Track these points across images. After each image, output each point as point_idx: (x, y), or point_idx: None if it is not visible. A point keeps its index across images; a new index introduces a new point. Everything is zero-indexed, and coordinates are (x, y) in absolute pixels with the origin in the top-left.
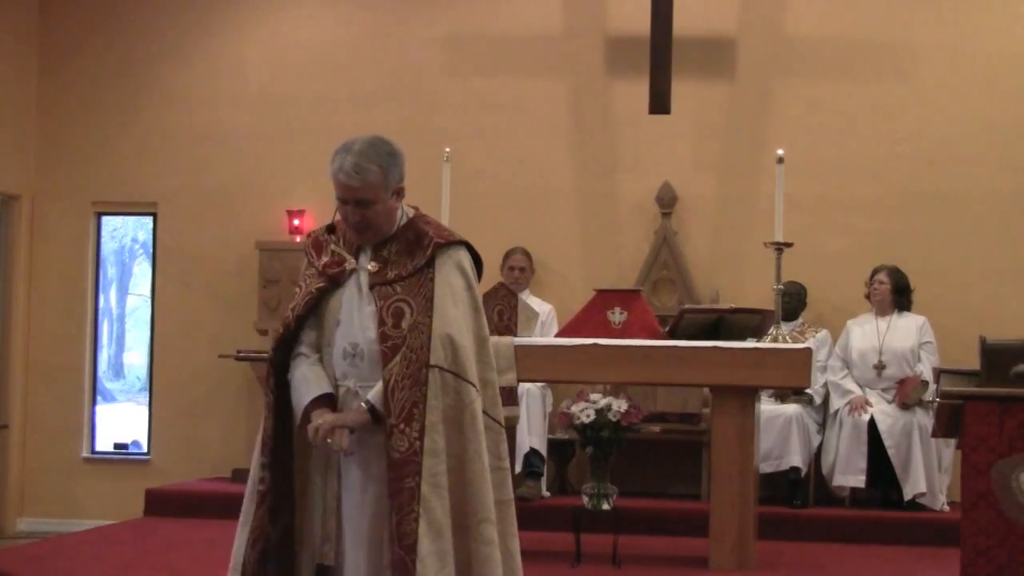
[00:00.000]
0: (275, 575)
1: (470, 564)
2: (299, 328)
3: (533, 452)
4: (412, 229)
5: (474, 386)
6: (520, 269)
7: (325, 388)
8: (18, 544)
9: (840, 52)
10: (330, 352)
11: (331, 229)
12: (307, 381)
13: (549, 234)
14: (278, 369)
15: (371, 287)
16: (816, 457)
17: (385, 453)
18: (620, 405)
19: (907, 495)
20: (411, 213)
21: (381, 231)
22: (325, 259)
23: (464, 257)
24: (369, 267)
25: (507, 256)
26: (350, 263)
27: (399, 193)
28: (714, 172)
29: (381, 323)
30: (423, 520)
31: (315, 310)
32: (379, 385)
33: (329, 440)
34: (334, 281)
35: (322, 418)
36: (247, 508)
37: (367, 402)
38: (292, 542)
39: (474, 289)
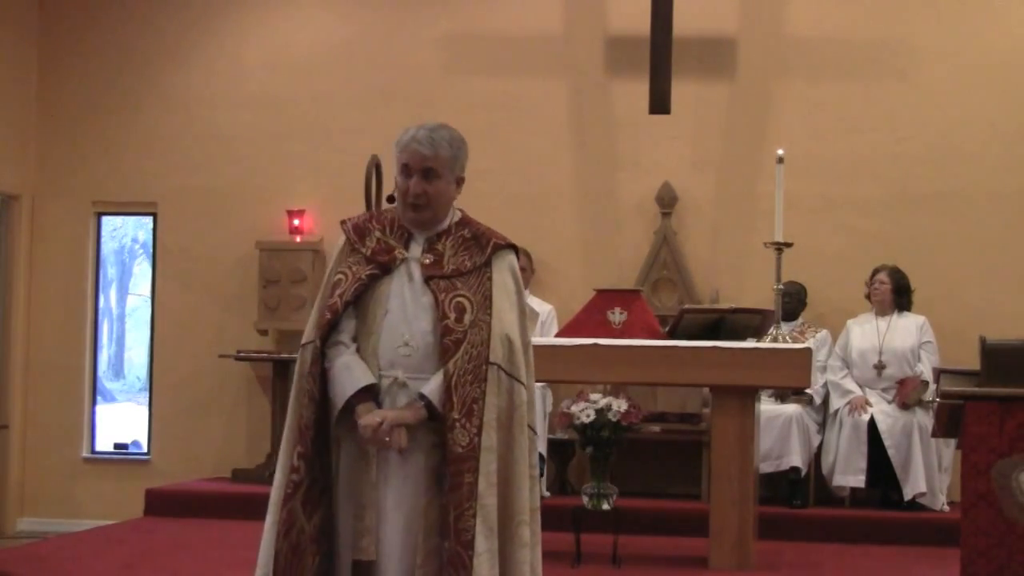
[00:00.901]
0: (314, 570)
1: (506, 565)
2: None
3: None
4: (467, 227)
5: (526, 387)
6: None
7: (369, 379)
8: (18, 544)
9: (840, 52)
10: (374, 341)
11: (370, 211)
12: (350, 371)
13: (549, 234)
14: (319, 356)
15: (427, 279)
16: (816, 457)
17: (445, 447)
18: (620, 405)
19: (907, 495)
20: (459, 213)
21: (436, 215)
22: (371, 245)
23: (515, 261)
24: (424, 259)
25: None
26: (400, 252)
27: (459, 183)
28: (714, 172)
29: (443, 316)
30: (479, 516)
31: (360, 298)
32: (436, 379)
33: (388, 439)
34: (384, 268)
35: (379, 415)
36: (275, 500)
37: (423, 396)
38: (329, 539)
39: (520, 293)
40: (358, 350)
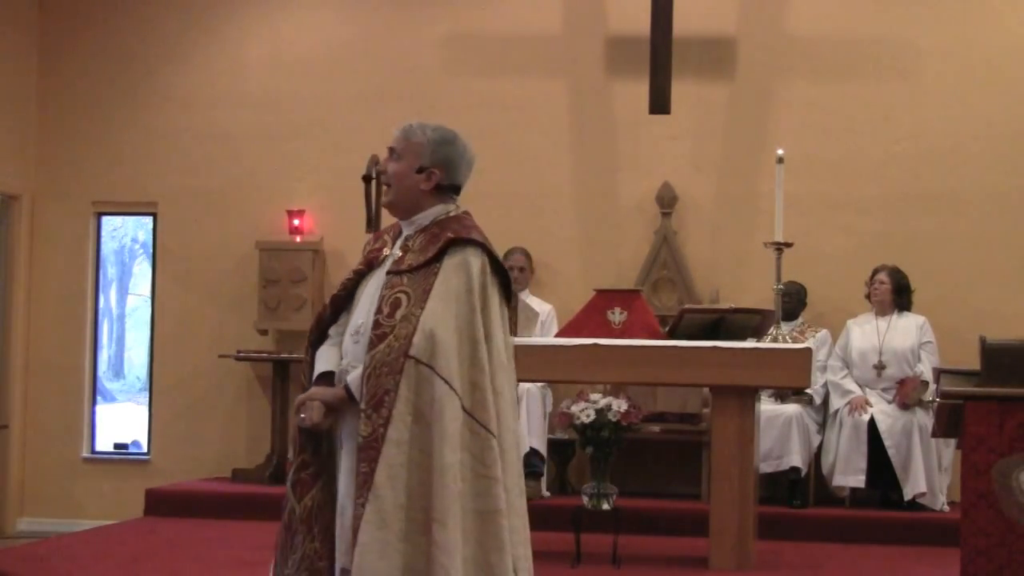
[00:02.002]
0: (302, 550)
1: (424, 564)
2: (336, 311)
3: (533, 452)
4: (442, 225)
5: (447, 383)
6: (519, 269)
7: (326, 367)
8: (18, 544)
9: (840, 52)
10: (345, 332)
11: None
12: (318, 361)
13: (549, 234)
14: (308, 351)
15: (387, 273)
16: (816, 457)
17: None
18: (620, 405)
19: (907, 495)
20: (456, 212)
21: (398, 200)
22: (374, 246)
23: (474, 256)
24: (394, 255)
25: (506, 256)
26: (387, 249)
27: (428, 176)
28: (714, 172)
29: (379, 310)
30: (370, 507)
31: (353, 293)
32: (359, 368)
33: (303, 414)
34: (369, 264)
35: (306, 394)
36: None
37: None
38: (320, 521)
39: (478, 291)
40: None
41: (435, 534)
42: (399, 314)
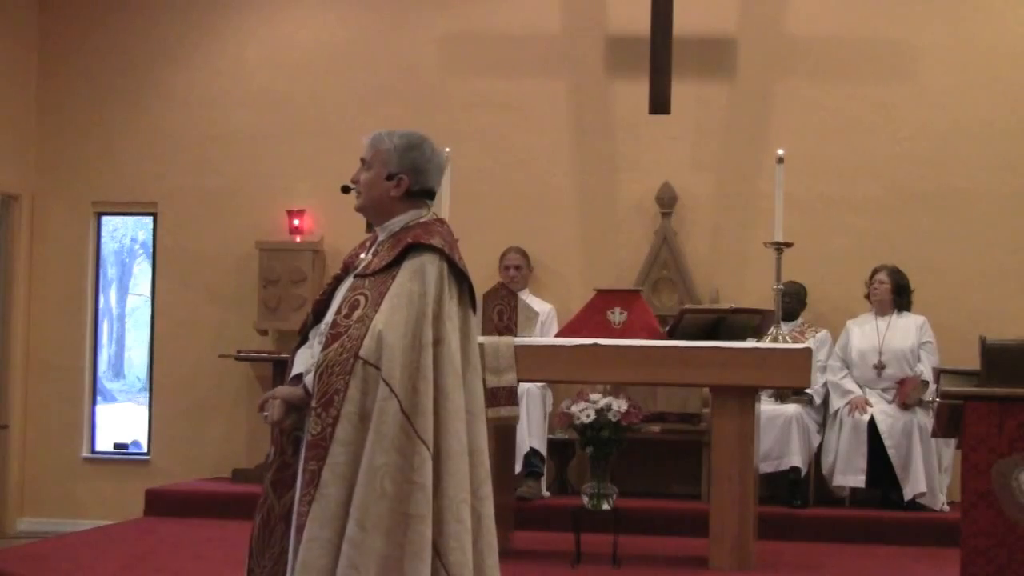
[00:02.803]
0: (281, 546)
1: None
2: (317, 316)
3: (533, 452)
4: (408, 230)
5: (388, 386)
6: (515, 267)
7: (298, 370)
8: (18, 544)
9: (840, 52)
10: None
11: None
12: (296, 362)
13: (549, 234)
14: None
15: (354, 276)
16: (816, 457)
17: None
18: (620, 405)
19: (907, 495)
20: (427, 218)
21: (369, 207)
22: (356, 250)
23: (430, 262)
24: (364, 260)
25: (502, 256)
26: (365, 254)
27: (398, 183)
28: (714, 172)
29: (338, 311)
30: (316, 505)
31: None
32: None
33: (265, 412)
34: (346, 268)
35: (270, 392)
36: None
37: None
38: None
39: (432, 295)
40: None
41: (350, 531)
42: (355, 315)
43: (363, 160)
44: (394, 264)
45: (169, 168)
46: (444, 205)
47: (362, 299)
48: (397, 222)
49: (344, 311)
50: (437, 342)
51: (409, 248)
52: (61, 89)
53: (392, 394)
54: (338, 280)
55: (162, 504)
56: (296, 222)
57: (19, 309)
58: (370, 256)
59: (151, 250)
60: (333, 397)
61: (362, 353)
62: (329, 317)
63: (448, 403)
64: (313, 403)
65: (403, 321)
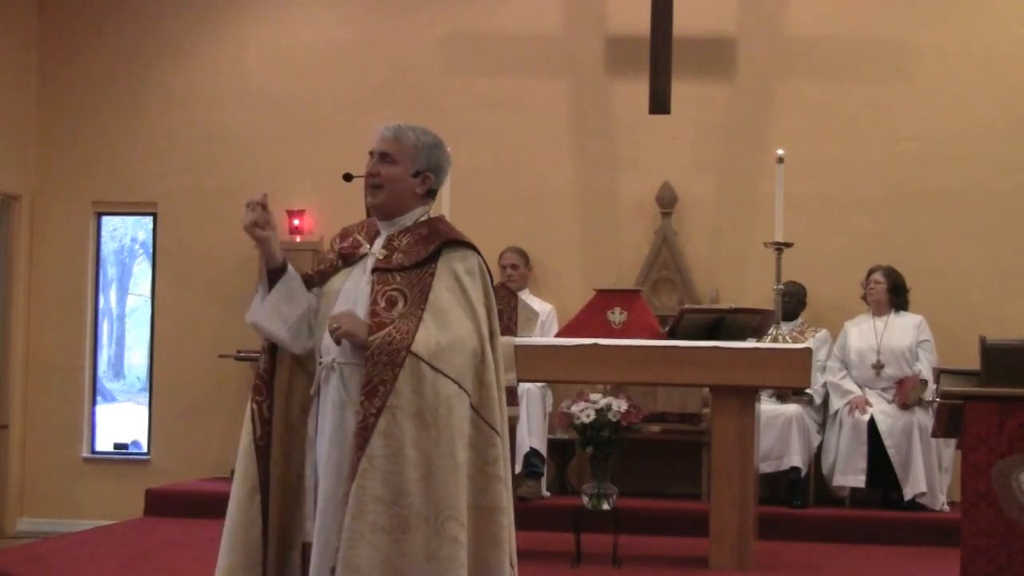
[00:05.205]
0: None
1: (431, 560)
2: (306, 281)
3: (533, 452)
4: (428, 226)
5: (457, 383)
6: (512, 267)
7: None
8: (18, 544)
9: (840, 52)
10: (321, 331)
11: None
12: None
13: (549, 234)
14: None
15: (372, 271)
16: (816, 457)
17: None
18: (620, 405)
19: (907, 495)
20: (433, 215)
21: (391, 203)
22: (346, 244)
23: (473, 258)
24: (379, 254)
25: (500, 256)
26: (364, 248)
27: (424, 180)
28: (714, 172)
29: (374, 303)
30: (352, 496)
31: (323, 286)
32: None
33: (335, 324)
34: (345, 259)
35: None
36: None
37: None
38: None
39: (474, 292)
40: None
41: (450, 529)
42: (396, 311)
43: (384, 154)
44: (429, 261)
45: (169, 168)
46: (444, 205)
47: (399, 295)
48: (408, 218)
49: (382, 304)
50: (492, 335)
51: (443, 245)
52: (61, 89)
53: (463, 391)
54: (335, 269)
55: (162, 504)
56: (296, 222)
57: (19, 309)
58: (381, 250)
59: (151, 250)
60: (379, 387)
61: (415, 348)
62: (358, 312)
63: (502, 393)
64: (361, 392)
65: (464, 318)
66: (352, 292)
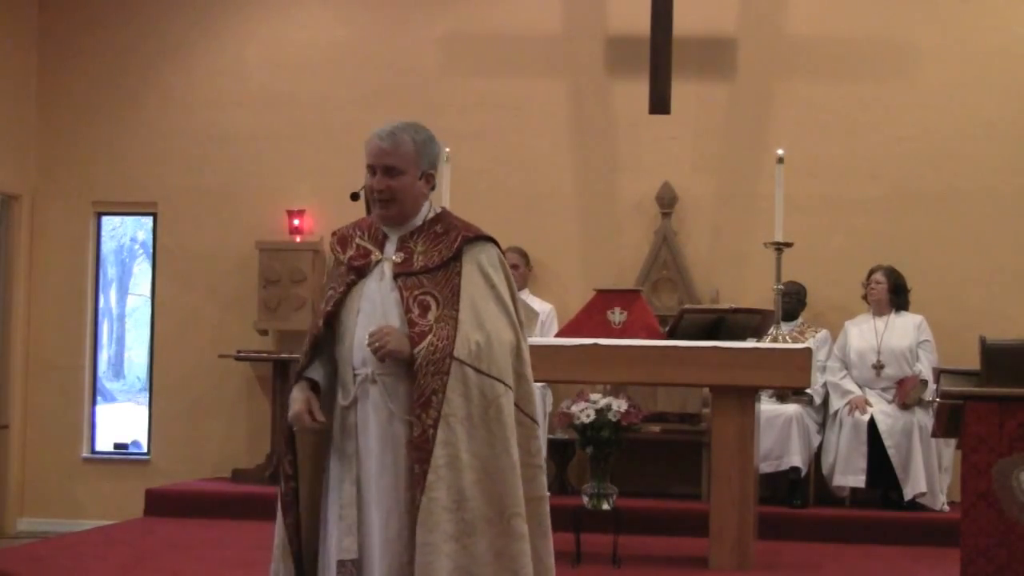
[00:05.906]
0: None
1: (501, 558)
2: (328, 326)
3: None
4: (440, 222)
5: (501, 382)
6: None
7: (316, 376)
8: (18, 544)
9: (840, 52)
10: (349, 340)
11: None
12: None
13: (549, 234)
14: (303, 370)
15: (395, 276)
16: (816, 457)
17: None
18: (620, 405)
19: (907, 495)
20: (439, 209)
21: (405, 211)
22: (351, 252)
23: (493, 252)
24: (394, 257)
25: None
26: (376, 254)
27: (428, 179)
28: (714, 172)
29: (408, 311)
30: (422, 509)
31: (341, 303)
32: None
33: (378, 342)
34: (360, 273)
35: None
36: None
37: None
38: (300, 539)
39: (501, 286)
40: (337, 352)
41: (517, 527)
42: (431, 316)
43: (388, 168)
44: (453, 260)
45: (169, 168)
46: (444, 205)
47: (431, 299)
48: (419, 217)
49: (416, 311)
50: (521, 324)
51: (465, 242)
52: (61, 89)
53: (508, 388)
54: (350, 287)
55: (162, 504)
56: (296, 222)
57: (19, 309)
58: (397, 254)
59: (151, 250)
60: (431, 398)
61: (457, 353)
62: (374, 323)
63: (532, 384)
64: (414, 403)
65: (496, 314)
66: (375, 300)
